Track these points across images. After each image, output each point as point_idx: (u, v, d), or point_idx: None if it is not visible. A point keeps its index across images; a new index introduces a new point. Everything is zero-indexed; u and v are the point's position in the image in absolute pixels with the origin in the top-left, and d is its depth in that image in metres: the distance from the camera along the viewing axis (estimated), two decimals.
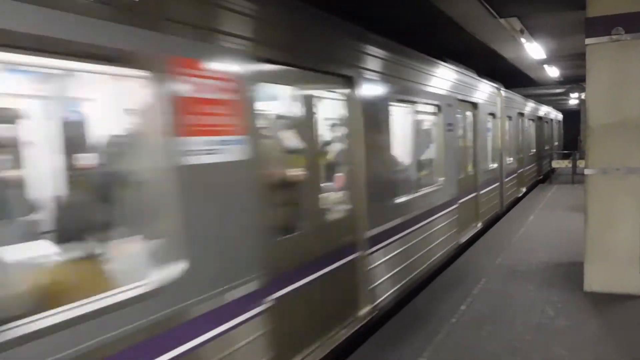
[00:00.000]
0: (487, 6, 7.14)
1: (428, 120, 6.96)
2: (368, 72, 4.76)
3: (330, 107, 4.57)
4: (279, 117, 4.07)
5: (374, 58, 4.94)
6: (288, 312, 3.49)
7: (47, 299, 2.21)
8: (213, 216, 2.83)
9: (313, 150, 4.11)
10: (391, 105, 5.30)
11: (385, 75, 5.15)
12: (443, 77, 7.13)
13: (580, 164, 14.58)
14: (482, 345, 4.37)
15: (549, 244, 7.91)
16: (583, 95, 17.18)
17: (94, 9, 2.20)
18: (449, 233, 7.21)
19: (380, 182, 4.96)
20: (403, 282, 5.48)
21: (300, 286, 3.69)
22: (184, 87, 2.63)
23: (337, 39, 4.39)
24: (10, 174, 3.04)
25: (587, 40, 5.32)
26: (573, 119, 25.84)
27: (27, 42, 1.99)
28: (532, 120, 16.83)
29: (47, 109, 3.20)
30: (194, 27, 2.78)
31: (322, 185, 4.31)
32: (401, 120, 5.97)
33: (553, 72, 15.18)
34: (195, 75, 2.71)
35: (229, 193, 2.97)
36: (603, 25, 5.20)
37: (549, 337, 4.48)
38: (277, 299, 3.36)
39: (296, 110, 3.93)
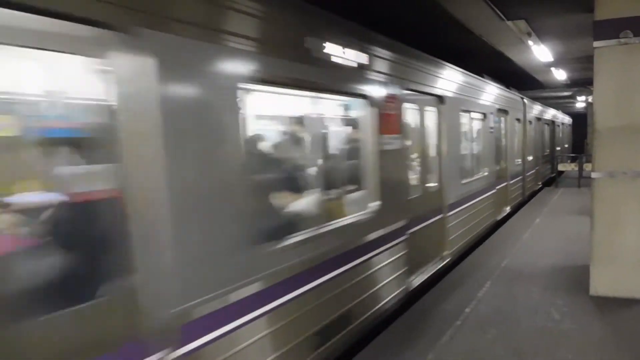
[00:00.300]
0: (495, 8, 7.12)
1: (478, 125, 9.15)
2: (449, 92, 6.99)
3: (430, 116, 6.61)
4: (409, 123, 5.89)
5: (451, 82, 7.15)
6: (414, 243, 5.63)
7: (326, 216, 4.15)
8: (389, 179, 4.97)
9: (423, 144, 6.38)
10: (460, 114, 7.52)
11: (458, 94, 7.41)
12: (487, 92, 9.46)
13: (587, 167, 14.54)
14: (486, 349, 4.38)
15: (555, 247, 7.89)
16: (590, 99, 17.13)
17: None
18: (490, 211, 9.45)
19: (453, 167, 7.17)
20: (464, 240, 7.69)
21: (419, 229, 5.91)
22: (384, 108, 4.88)
23: (436, 71, 6.51)
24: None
25: (595, 43, 5.31)
26: (580, 122, 25.69)
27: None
28: (547, 124, 18.32)
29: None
30: (400, 79, 5.27)
31: (426, 167, 6.46)
32: (463, 125, 8.07)
33: (560, 75, 15.08)
34: (388, 102, 4.99)
35: (394, 167, 5.19)
36: (611, 28, 5.18)
37: (554, 341, 4.48)
38: (410, 233, 5.53)
39: (416, 118, 6.19)
